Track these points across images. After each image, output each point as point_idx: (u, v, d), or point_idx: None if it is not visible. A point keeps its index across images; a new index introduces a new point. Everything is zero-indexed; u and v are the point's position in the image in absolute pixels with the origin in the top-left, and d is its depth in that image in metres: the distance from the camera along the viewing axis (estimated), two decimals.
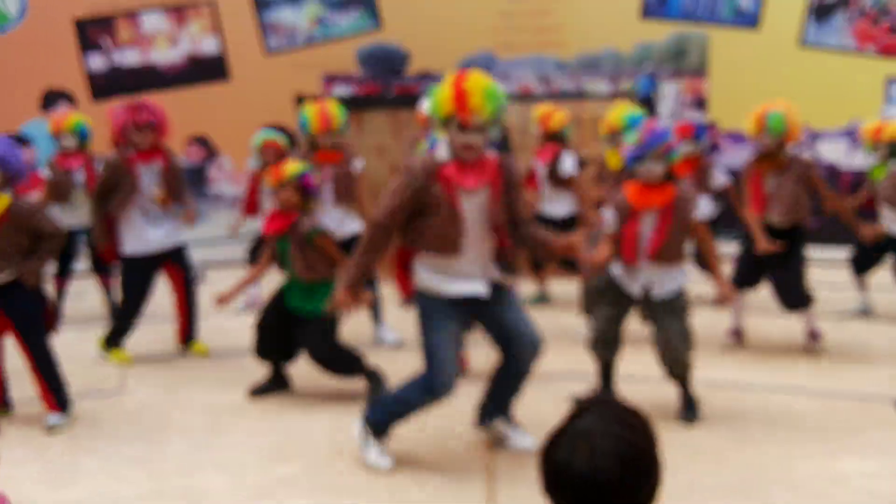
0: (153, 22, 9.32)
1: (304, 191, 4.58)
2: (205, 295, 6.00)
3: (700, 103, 9.34)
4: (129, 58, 9.29)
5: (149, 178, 5.33)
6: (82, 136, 6.53)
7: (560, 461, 1.48)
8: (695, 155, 6.26)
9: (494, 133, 3.60)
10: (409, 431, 4.16)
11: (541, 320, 6.33)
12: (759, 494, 3.45)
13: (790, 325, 5.83)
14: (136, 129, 5.22)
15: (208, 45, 9.43)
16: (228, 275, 7.82)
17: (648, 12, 9.38)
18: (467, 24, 9.42)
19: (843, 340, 5.76)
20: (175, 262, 5.57)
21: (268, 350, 4.75)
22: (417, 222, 3.54)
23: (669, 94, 9.40)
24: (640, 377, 5.03)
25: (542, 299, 7.11)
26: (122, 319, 5.51)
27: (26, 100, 8.87)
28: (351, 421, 4.18)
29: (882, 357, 5.39)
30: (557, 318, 6.56)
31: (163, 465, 3.85)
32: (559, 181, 6.45)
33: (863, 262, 6.41)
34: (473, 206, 3.55)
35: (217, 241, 8.65)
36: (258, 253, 6.76)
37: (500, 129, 3.74)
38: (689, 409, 4.28)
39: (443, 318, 3.61)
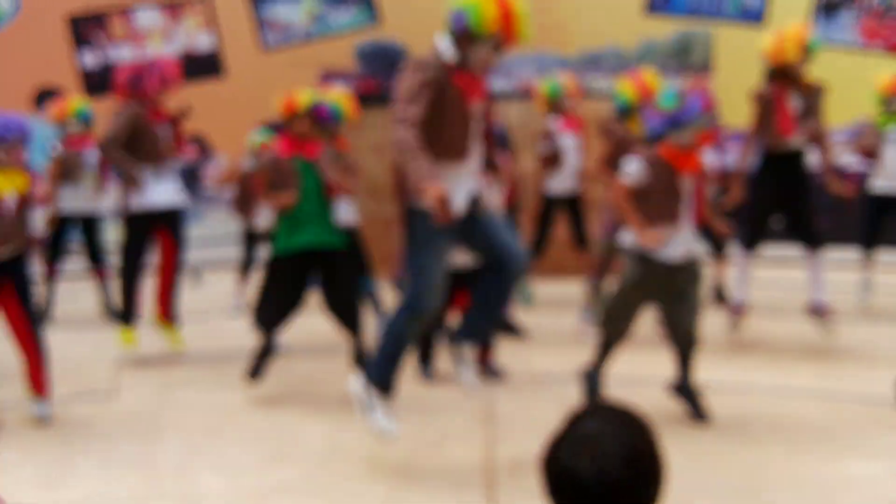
0: (147, 18, 9.34)
1: (318, 120, 4.63)
2: (202, 297, 6.02)
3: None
4: (123, 54, 9.30)
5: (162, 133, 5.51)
6: (86, 119, 6.66)
7: (564, 466, 1.48)
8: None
9: None
10: (408, 434, 4.17)
11: (542, 321, 6.39)
12: (764, 497, 3.46)
13: (796, 327, 5.84)
14: (162, 88, 5.42)
15: (203, 42, 9.45)
16: (224, 276, 7.85)
17: (652, 8, 9.40)
18: None
19: (849, 343, 5.77)
20: (171, 228, 5.58)
21: (276, 318, 4.68)
22: (428, 123, 3.50)
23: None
24: (644, 379, 5.05)
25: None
26: (125, 286, 5.51)
27: (19, 97, 8.88)
28: (349, 423, 4.19)
29: (888, 359, 5.40)
30: (558, 318, 6.59)
31: (158, 468, 3.86)
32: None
33: (871, 233, 6.50)
34: (474, 117, 3.65)
35: (213, 241, 8.67)
36: (251, 255, 6.79)
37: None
38: (696, 409, 4.30)
39: (436, 238, 3.58)
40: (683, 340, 4.26)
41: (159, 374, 5.35)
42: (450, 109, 3.53)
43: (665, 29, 9.38)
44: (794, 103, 5.36)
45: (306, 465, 3.85)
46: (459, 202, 3.58)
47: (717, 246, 6.76)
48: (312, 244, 4.61)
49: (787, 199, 5.44)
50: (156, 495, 3.57)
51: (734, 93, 9.05)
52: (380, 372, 3.70)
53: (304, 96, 4.68)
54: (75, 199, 6.59)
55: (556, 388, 4.86)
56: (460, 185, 3.60)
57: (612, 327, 4.33)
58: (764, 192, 5.49)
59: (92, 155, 6.56)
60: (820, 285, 5.51)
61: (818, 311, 5.54)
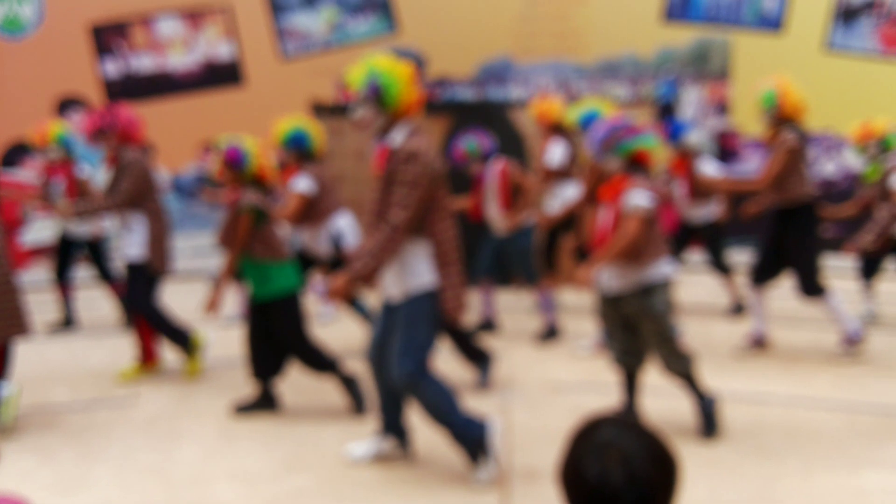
0: (168, 27, 9.44)
1: (230, 165, 4.64)
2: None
3: (723, 108, 9.31)
4: (145, 63, 9.42)
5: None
6: (67, 145, 6.68)
7: (594, 476, 1.46)
8: (682, 153, 6.50)
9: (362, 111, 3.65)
10: (421, 443, 4.19)
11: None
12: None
13: (814, 336, 5.79)
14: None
15: (223, 51, 9.54)
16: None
17: (670, 16, 9.38)
18: (485, 28, 9.46)
19: (865, 353, 5.73)
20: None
21: (261, 367, 4.70)
22: (431, 210, 3.58)
23: (691, 99, 9.39)
24: (655, 390, 5.04)
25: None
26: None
27: (42, 105, 9.01)
28: (362, 432, 4.21)
29: None
30: (568, 327, 6.58)
31: (174, 474, 3.90)
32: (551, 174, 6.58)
33: (868, 268, 6.52)
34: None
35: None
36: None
37: None
38: (707, 424, 4.24)
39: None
40: (635, 366, 4.24)
41: (176, 382, 5.40)
42: (441, 192, 3.65)
43: (683, 36, 9.35)
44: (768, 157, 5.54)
45: (321, 472, 3.88)
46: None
47: (718, 264, 6.84)
48: (253, 298, 4.68)
49: (788, 249, 5.53)
50: (171, 502, 3.61)
51: (753, 100, 9.02)
52: (463, 439, 3.68)
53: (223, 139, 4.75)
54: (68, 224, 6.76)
55: (571, 398, 4.86)
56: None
57: (612, 354, 4.32)
58: (774, 234, 5.57)
59: (63, 183, 6.62)
60: (838, 320, 5.53)
61: (848, 342, 5.56)
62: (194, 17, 9.48)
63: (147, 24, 9.40)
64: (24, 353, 6.18)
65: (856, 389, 4.94)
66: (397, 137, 3.61)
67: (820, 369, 5.37)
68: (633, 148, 3.99)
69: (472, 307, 6.47)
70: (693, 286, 7.82)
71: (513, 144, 8.27)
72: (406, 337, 3.60)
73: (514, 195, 6.03)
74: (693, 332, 6.34)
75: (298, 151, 5.77)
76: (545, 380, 5.24)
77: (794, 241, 5.47)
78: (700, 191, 6.56)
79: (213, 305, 4.70)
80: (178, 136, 8.59)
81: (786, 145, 5.35)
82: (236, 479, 3.83)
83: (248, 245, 4.56)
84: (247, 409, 4.72)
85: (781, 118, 5.43)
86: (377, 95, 3.58)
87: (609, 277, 4.10)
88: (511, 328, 6.56)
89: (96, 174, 6.89)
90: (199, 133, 9.39)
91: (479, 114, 8.20)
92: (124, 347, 5.88)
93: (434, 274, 3.60)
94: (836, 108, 7.86)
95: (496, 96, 9.50)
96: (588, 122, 5.62)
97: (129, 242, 5.33)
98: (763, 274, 5.63)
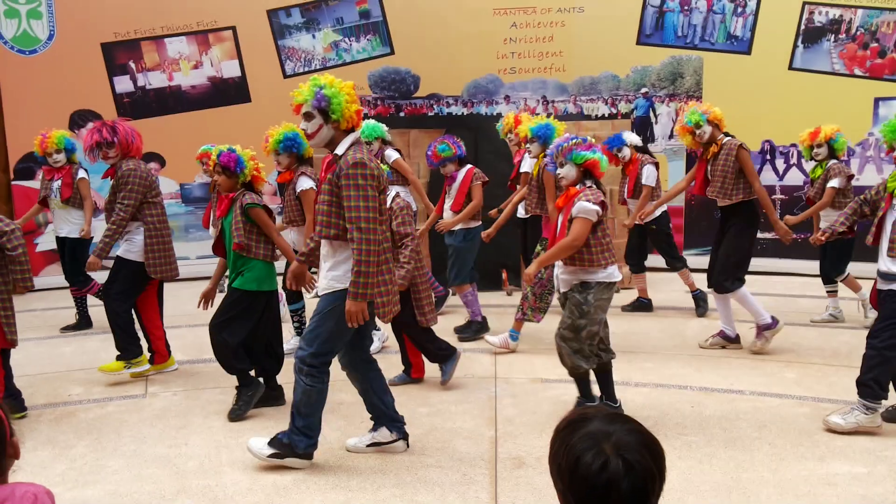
0: (177, 46, 9.42)
1: (227, 169, 4.65)
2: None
3: None
4: (155, 80, 9.39)
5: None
6: (70, 149, 6.71)
7: (592, 466, 1.43)
8: (626, 161, 6.96)
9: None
10: (419, 433, 4.18)
11: (546, 327, 6.38)
12: (749, 493, 3.45)
13: (781, 334, 5.80)
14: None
15: (229, 69, 9.52)
16: None
17: (644, 39, 9.44)
18: (474, 49, 9.49)
19: (832, 348, 5.76)
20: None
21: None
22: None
23: (664, 115, 9.44)
24: (634, 383, 5.05)
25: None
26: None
27: (57, 120, 8.95)
28: (361, 424, 4.20)
29: None
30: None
31: (184, 465, 3.87)
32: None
33: (829, 270, 6.58)
34: None
35: None
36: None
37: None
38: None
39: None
40: (612, 357, 4.38)
41: (185, 378, 5.37)
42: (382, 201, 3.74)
43: (657, 57, 9.41)
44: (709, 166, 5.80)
45: (323, 462, 3.86)
46: None
47: (668, 263, 7.08)
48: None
49: (717, 245, 5.77)
50: (182, 491, 3.58)
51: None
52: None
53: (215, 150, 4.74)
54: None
55: (554, 392, 4.87)
56: None
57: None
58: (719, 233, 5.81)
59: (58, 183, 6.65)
60: (753, 313, 5.65)
61: (764, 331, 5.65)
62: (202, 37, 9.46)
63: (157, 43, 9.37)
64: (39, 352, 6.15)
65: (823, 383, 4.96)
66: (341, 148, 3.64)
67: (787, 366, 5.39)
68: (585, 158, 4.17)
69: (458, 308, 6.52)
70: (667, 284, 7.84)
71: (501, 155, 8.29)
72: (313, 326, 3.66)
73: (465, 201, 6.26)
74: (666, 328, 6.37)
75: (294, 153, 5.74)
76: (532, 375, 5.24)
77: (728, 236, 5.61)
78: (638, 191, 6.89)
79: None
80: (186, 150, 8.53)
81: (741, 146, 5.57)
82: (242, 469, 3.81)
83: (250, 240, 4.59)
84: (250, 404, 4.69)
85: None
86: (323, 107, 3.63)
87: (561, 278, 4.27)
88: (499, 326, 6.55)
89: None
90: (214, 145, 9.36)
91: (469, 126, 8.22)
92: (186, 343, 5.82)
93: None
94: (801, 123, 7.88)
95: (484, 112, 9.52)
96: (540, 131, 5.89)
97: (127, 248, 5.26)
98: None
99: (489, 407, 4.63)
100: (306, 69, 9.58)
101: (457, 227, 6.30)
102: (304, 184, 5.54)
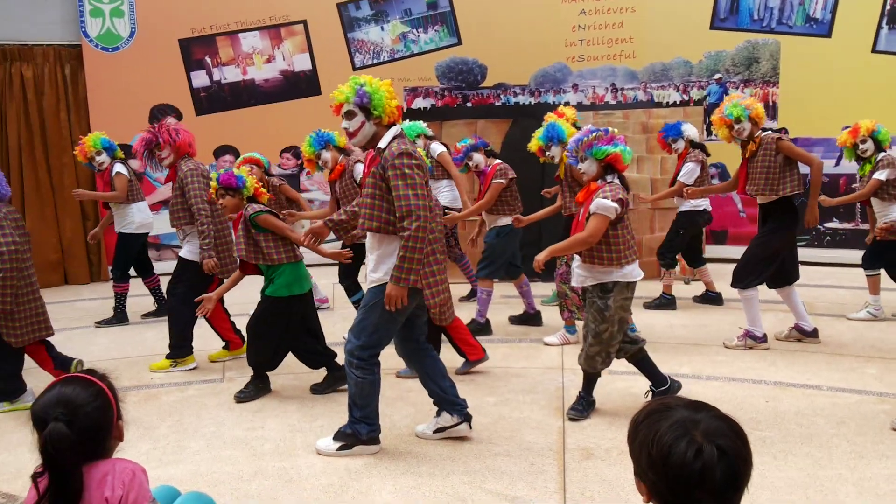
0: (251, 41, 9.66)
1: (227, 188, 4.76)
2: None
3: (769, 110, 9.08)
4: (229, 75, 9.65)
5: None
6: (108, 147, 6.81)
7: (687, 457, 1.42)
8: (679, 153, 6.85)
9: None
10: (486, 423, 4.22)
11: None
12: (826, 491, 3.36)
13: (858, 333, 5.61)
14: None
15: (301, 63, 9.72)
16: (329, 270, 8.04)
17: (718, 23, 9.19)
18: (541, 38, 9.42)
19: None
20: None
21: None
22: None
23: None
24: (705, 377, 4.97)
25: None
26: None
27: (137, 114, 9.32)
28: (430, 411, 4.26)
29: None
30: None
31: (261, 448, 4.01)
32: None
33: (873, 262, 6.31)
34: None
35: None
36: None
37: None
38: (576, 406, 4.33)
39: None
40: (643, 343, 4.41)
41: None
42: None
43: (732, 41, 9.16)
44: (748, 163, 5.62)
45: (393, 448, 3.94)
46: None
47: (659, 255, 6.95)
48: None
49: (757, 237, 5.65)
50: (258, 472, 3.71)
51: (800, 103, 8.78)
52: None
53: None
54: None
55: (621, 383, 4.83)
56: None
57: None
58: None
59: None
60: (749, 317, 5.53)
61: (749, 338, 5.54)
62: (274, 31, 9.67)
63: (231, 38, 9.63)
64: (124, 338, 6.44)
65: None
66: (384, 141, 3.69)
67: (868, 361, 5.21)
68: (606, 153, 4.06)
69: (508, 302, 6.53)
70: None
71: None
72: (360, 318, 3.74)
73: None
74: (736, 321, 6.23)
75: (333, 146, 5.86)
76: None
77: (764, 231, 5.47)
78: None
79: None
80: (259, 143, 8.76)
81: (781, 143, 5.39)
82: (316, 452, 3.91)
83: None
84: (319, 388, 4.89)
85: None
86: (365, 104, 3.69)
87: (578, 273, 4.24)
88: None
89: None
90: (279, 138, 9.59)
91: (536, 115, 8.17)
92: (211, 333, 6.03)
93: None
94: (884, 108, 7.58)
95: (551, 101, 9.44)
96: (547, 136, 5.68)
97: (189, 249, 5.39)
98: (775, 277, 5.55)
99: (556, 397, 4.64)
100: (375, 61, 9.70)
101: (492, 225, 6.14)
102: (360, 169, 5.62)
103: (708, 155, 6.80)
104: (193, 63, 9.57)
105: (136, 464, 2.09)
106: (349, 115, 3.75)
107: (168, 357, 5.43)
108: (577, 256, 4.24)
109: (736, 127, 5.42)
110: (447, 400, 4.02)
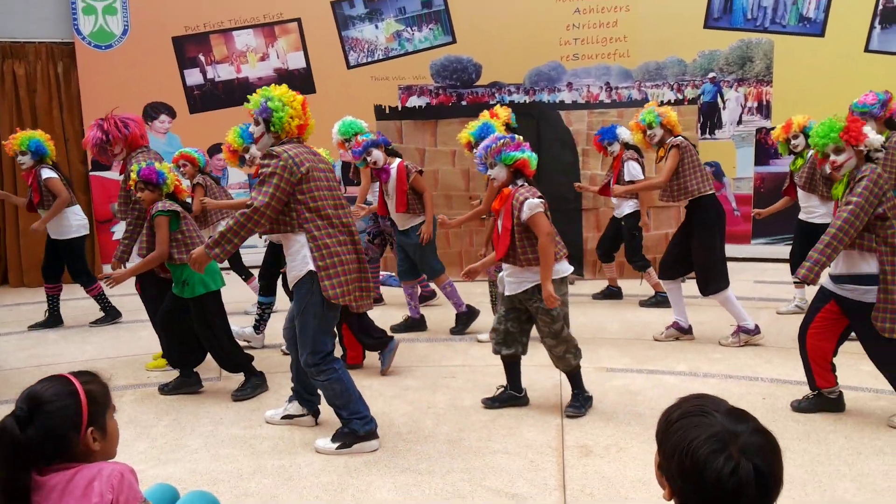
0: (244, 39, 9.63)
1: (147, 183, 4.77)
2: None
3: (763, 109, 9.12)
4: (223, 73, 9.62)
5: None
6: (38, 151, 6.47)
7: (724, 473, 1.39)
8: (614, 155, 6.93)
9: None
10: (484, 419, 4.22)
11: (614, 321, 6.34)
12: (824, 487, 3.38)
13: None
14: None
15: (295, 61, 9.69)
16: None
17: (712, 22, 9.22)
18: (536, 37, 9.42)
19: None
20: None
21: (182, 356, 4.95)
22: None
23: (733, 100, 9.22)
24: (702, 374, 4.99)
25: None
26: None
27: (131, 112, 9.24)
28: (428, 410, 4.27)
29: None
30: (623, 316, 6.53)
31: (259, 446, 4.00)
32: None
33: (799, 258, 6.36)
34: None
35: None
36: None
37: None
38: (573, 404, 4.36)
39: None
40: (523, 353, 4.45)
41: (258, 362, 5.51)
42: None
43: (726, 41, 9.19)
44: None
45: (392, 445, 3.94)
46: None
47: (629, 259, 7.02)
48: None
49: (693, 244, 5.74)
50: (257, 470, 3.71)
51: (793, 102, 8.81)
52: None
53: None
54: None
55: (618, 381, 4.85)
56: None
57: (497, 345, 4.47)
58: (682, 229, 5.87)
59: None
60: (735, 316, 5.62)
61: (743, 333, 5.61)
62: (268, 29, 9.65)
63: (225, 37, 9.60)
64: (121, 337, 6.41)
65: None
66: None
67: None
68: (515, 158, 4.13)
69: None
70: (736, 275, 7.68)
71: (564, 143, 8.24)
72: (299, 330, 3.88)
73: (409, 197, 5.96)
74: (732, 319, 6.25)
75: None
76: (597, 364, 5.22)
77: (695, 240, 5.57)
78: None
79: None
80: None
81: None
82: (315, 450, 3.91)
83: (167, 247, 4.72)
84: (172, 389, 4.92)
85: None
86: (265, 118, 3.89)
87: (509, 281, 4.25)
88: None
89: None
90: None
91: (531, 114, 8.19)
92: None
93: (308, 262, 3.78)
94: None
95: (546, 100, 9.46)
96: (480, 134, 5.55)
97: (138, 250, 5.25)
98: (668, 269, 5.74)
99: (554, 395, 4.65)
100: (369, 59, 9.68)
101: (408, 225, 6.02)
102: None
103: (642, 157, 6.92)
104: (187, 61, 9.53)
105: (123, 465, 2.04)
106: (256, 122, 3.96)
107: (164, 356, 5.40)
108: (505, 265, 4.25)
109: (648, 132, 5.72)
110: (306, 392, 4.20)
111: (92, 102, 9.17)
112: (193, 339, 4.85)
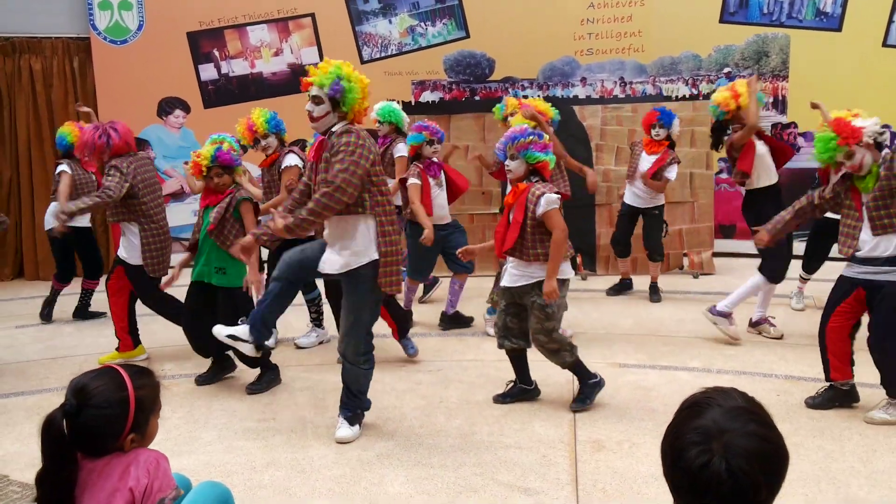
0: (259, 34, 9.66)
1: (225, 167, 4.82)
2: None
3: (779, 104, 9.05)
4: (237, 68, 9.65)
5: None
6: (59, 144, 6.69)
7: (695, 462, 1.39)
8: (663, 141, 6.74)
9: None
10: (498, 414, 4.23)
11: (628, 316, 6.32)
12: (839, 484, 3.36)
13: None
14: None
15: (308, 56, 9.71)
16: None
17: (728, 16, 9.16)
18: (550, 31, 9.39)
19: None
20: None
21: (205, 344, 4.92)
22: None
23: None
24: (716, 370, 4.97)
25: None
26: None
27: (146, 107, 9.33)
28: (440, 404, 4.27)
29: None
30: (636, 311, 6.51)
31: (272, 439, 4.03)
32: None
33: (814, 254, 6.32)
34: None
35: None
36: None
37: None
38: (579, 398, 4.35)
39: None
40: (527, 346, 4.40)
41: (272, 355, 5.54)
42: None
43: (741, 35, 9.12)
44: None
45: (404, 438, 3.96)
46: None
47: (649, 247, 6.99)
48: (196, 276, 4.87)
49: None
50: (270, 463, 3.73)
51: (809, 97, 8.73)
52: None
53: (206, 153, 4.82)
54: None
55: (631, 376, 4.84)
56: None
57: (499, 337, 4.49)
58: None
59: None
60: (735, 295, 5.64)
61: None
62: (282, 24, 9.67)
63: (239, 32, 9.63)
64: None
65: None
66: (337, 127, 3.75)
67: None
68: (538, 159, 4.12)
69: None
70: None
71: (579, 139, 8.21)
72: (353, 320, 3.86)
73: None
74: (748, 316, 6.21)
75: (279, 133, 5.81)
76: (610, 360, 5.21)
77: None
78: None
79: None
80: None
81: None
82: (328, 443, 3.94)
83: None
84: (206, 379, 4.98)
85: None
86: (336, 98, 3.70)
87: (512, 273, 4.23)
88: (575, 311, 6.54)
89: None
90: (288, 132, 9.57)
91: None
92: (158, 328, 6.02)
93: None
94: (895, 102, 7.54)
95: (559, 95, 9.43)
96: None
97: (126, 250, 5.29)
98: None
99: (567, 389, 4.64)
100: (383, 54, 9.68)
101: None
102: (294, 160, 5.54)
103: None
104: (201, 56, 9.56)
105: (158, 452, 2.09)
106: (316, 101, 3.75)
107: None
108: (510, 258, 4.23)
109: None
110: (263, 324, 3.96)
111: (107, 97, 9.23)
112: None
